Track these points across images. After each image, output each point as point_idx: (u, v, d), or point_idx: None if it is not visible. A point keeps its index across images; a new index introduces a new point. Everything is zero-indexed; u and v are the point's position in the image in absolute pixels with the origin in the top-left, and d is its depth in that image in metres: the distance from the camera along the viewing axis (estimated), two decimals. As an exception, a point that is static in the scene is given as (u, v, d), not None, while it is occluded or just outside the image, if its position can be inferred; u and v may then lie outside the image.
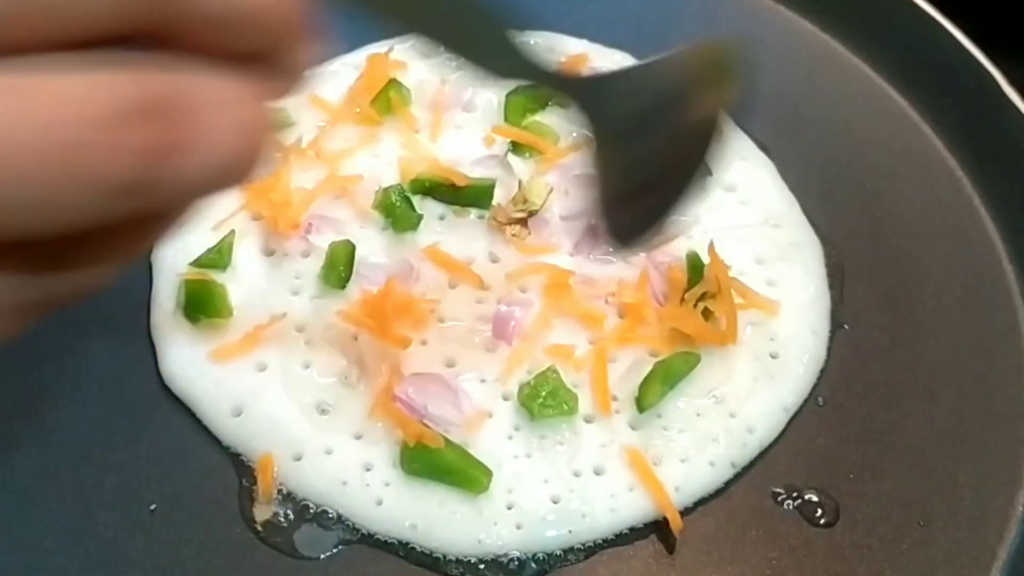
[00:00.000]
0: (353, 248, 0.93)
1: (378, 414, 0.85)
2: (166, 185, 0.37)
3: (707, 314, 0.91)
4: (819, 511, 0.86)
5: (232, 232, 0.95)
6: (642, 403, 0.87)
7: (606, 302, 0.93)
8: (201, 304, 0.90)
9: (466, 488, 0.82)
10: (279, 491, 0.83)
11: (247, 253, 0.95)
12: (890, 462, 0.89)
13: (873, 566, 0.84)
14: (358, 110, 1.04)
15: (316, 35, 0.45)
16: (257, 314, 0.91)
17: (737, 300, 0.91)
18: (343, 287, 0.92)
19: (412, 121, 1.05)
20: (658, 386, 0.87)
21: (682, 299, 0.91)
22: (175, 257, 0.94)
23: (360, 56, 1.10)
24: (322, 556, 0.81)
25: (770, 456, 0.88)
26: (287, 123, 1.04)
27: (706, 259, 0.92)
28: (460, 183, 0.97)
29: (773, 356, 0.93)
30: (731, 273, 0.93)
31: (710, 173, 1.01)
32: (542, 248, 0.97)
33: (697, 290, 0.91)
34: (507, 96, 1.06)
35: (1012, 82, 1.07)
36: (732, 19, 1.21)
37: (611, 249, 0.91)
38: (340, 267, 0.92)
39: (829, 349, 0.95)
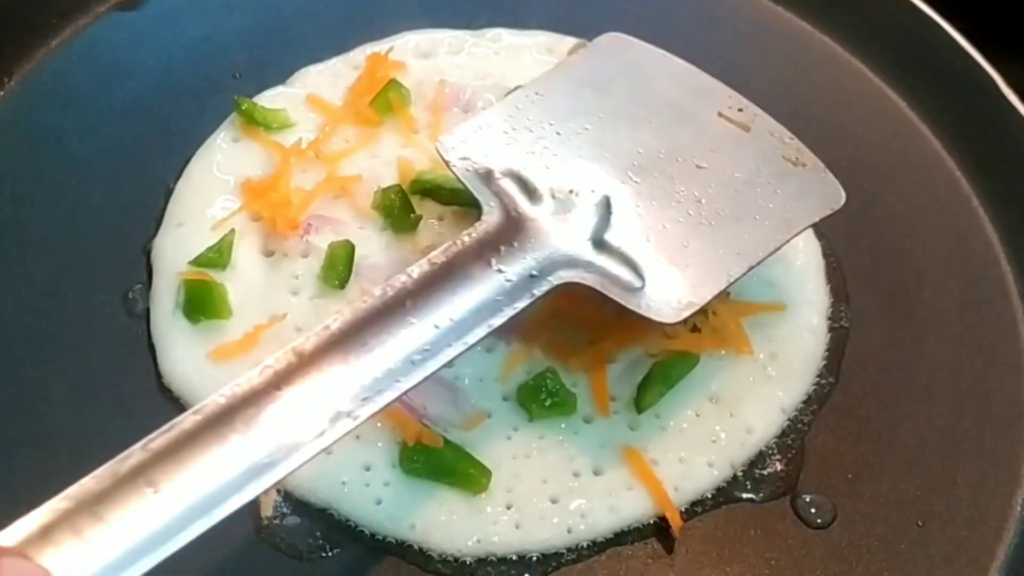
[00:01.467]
0: (353, 248, 0.93)
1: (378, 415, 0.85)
2: None
3: (699, 324, 0.91)
4: (817, 511, 0.86)
5: (232, 231, 0.95)
6: (640, 404, 0.87)
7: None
8: (201, 304, 0.90)
9: (465, 488, 0.82)
10: (279, 491, 0.83)
11: (247, 253, 0.95)
12: (888, 462, 0.89)
13: (871, 566, 0.84)
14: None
15: None
16: (257, 314, 0.91)
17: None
18: (343, 287, 0.92)
19: (411, 121, 1.05)
20: (657, 387, 0.87)
21: None
22: (175, 257, 0.94)
23: (360, 56, 1.10)
24: (322, 556, 0.81)
25: (769, 456, 0.89)
26: (287, 123, 1.05)
27: None
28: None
29: (772, 356, 0.93)
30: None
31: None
32: (541, 248, 0.97)
33: None
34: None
35: (1010, 83, 1.07)
36: (731, 19, 1.21)
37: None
38: (340, 267, 0.92)
39: (827, 349, 0.95)
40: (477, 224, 0.78)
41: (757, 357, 0.92)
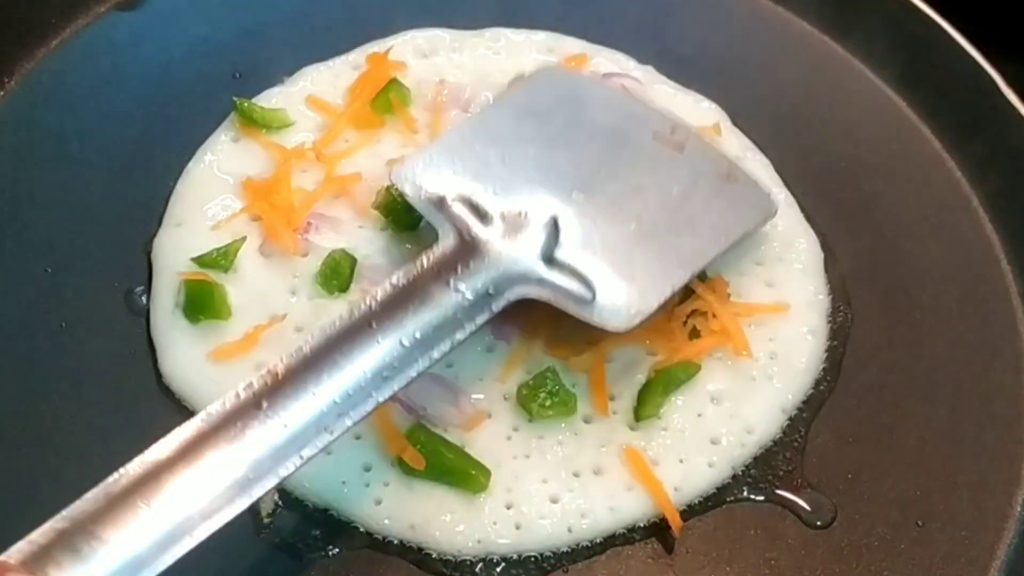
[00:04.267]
0: (355, 261, 0.93)
1: (370, 421, 0.85)
2: None
3: (698, 327, 0.91)
4: (817, 511, 0.86)
5: (244, 239, 0.94)
6: (640, 414, 0.87)
7: (605, 302, 0.94)
8: (201, 304, 0.90)
9: (465, 488, 0.82)
10: (279, 491, 0.83)
11: (247, 253, 0.94)
12: (888, 462, 0.89)
13: (871, 566, 0.84)
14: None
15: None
16: (257, 314, 0.91)
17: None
18: (344, 291, 0.92)
19: (411, 121, 1.05)
20: (658, 397, 0.87)
21: (671, 314, 0.91)
22: (175, 257, 0.94)
23: (360, 56, 1.10)
24: (322, 556, 0.81)
25: (769, 457, 0.89)
26: (286, 123, 1.04)
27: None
28: None
29: (772, 357, 0.93)
30: (729, 274, 0.94)
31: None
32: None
33: (685, 307, 0.91)
34: None
35: (1010, 83, 1.07)
36: (732, 20, 1.21)
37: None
38: (342, 276, 0.91)
39: (827, 349, 0.95)
40: (434, 247, 0.82)
41: (757, 357, 0.92)
